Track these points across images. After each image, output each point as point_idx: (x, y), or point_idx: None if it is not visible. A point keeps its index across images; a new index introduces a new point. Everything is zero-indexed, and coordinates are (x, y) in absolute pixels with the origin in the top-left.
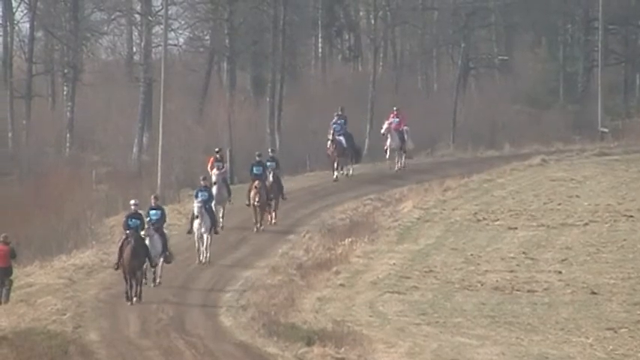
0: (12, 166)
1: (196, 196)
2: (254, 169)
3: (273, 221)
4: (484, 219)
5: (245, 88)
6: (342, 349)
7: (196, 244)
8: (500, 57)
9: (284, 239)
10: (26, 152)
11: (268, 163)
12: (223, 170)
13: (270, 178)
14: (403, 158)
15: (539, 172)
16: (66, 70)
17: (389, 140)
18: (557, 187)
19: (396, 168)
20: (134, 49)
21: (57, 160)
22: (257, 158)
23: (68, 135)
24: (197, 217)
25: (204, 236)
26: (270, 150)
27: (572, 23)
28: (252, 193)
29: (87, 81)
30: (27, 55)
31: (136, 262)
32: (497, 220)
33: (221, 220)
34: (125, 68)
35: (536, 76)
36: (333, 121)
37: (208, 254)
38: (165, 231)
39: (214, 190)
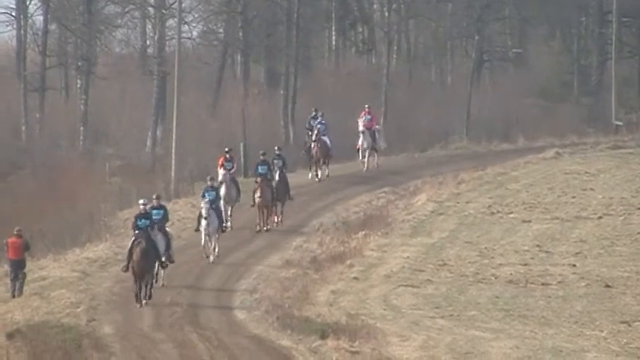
0: (25, 159)
1: (203, 196)
2: (259, 168)
3: (277, 222)
4: (498, 212)
5: (259, 81)
6: (356, 343)
7: (203, 242)
8: (514, 50)
9: (298, 232)
10: (40, 145)
11: (275, 161)
12: (232, 170)
13: (277, 177)
14: (376, 157)
15: (554, 165)
16: (80, 63)
17: (361, 139)
18: (571, 180)
19: (365, 168)
20: (148, 42)
21: (70, 154)
22: (261, 157)
23: (82, 128)
24: (205, 217)
25: (212, 236)
26: (276, 148)
27: (586, 16)
28: (256, 194)
29: (101, 74)
30: (40, 48)
31: (145, 264)
32: (512, 213)
33: (229, 219)
34: (139, 61)
35: (550, 69)
36: (318, 121)
37: (217, 252)
38: (168, 229)
39: (222, 189)
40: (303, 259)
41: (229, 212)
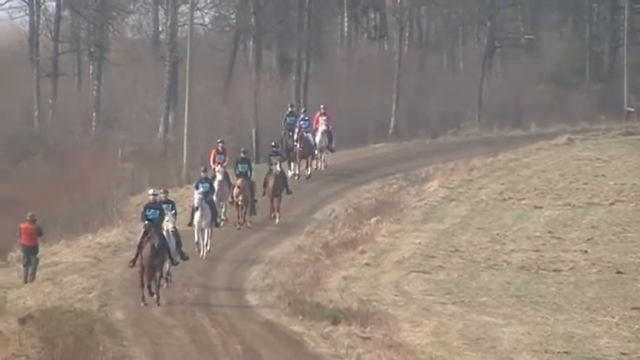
0: (38, 145)
1: (197, 188)
2: (239, 166)
3: (277, 220)
4: (510, 198)
5: (271, 67)
6: (368, 328)
7: (196, 238)
8: (526, 36)
9: (310, 218)
10: (52, 131)
11: (272, 158)
12: (225, 164)
13: (275, 170)
14: (326, 158)
15: (565, 151)
16: (92, 49)
17: (318, 138)
18: (583, 167)
19: (323, 167)
20: (160, 28)
21: (83, 139)
22: (242, 155)
23: (94, 114)
24: (197, 209)
25: (205, 230)
26: (272, 144)
27: (598, 2)
28: (235, 191)
29: (113, 60)
30: (53, 34)
31: (156, 260)
32: (523, 199)
33: (222, 214)
34: (151, 47)
35: (562, 55)
36: (301, 117)
37: (209, 247)
38: (179, 226)
39: (215, 185)
40: (314, 245)
41: (223, 208)
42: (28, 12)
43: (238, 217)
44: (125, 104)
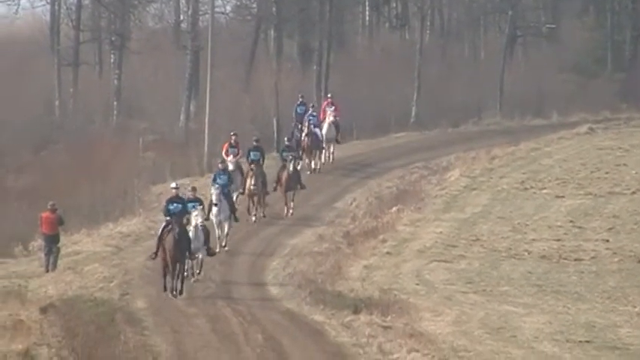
0: (59, 134)
1: (214, 181)
2: (251, 154)
3: (290, 212)
4: (531, 187)
5: (292, 56)
6: (389, 318)
7: (216, 232)
8: (547, 25)
9: (331, 207)
10: (73, 120)
11: (284, 153)
12: (238, 156)
13: (291, 168)
14: (333, 150)
15: (587, 140)
16: (113, 38)
17: (325, 129)
18: (605, 156)
19: (331, 160)
20: (181, 17)
21: (104, 128)
22: (254, 143)
23: (115, 103)
24: (215, 203)
25: (224, 224)
26: (286, 139)
27: None
28: (247, 182)
29: (134, 49)
30: (74, 23)
31: (178, 252)
32: (545, 188)
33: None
34: (172, 36)
35: (583, 44)
36: (309, 113)
37: (225, 242)
38: (199, 218)
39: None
40: (335, 234)
41: (235, 199)
42: (49, 1)
43: (249, 208)
44: (146, 93)
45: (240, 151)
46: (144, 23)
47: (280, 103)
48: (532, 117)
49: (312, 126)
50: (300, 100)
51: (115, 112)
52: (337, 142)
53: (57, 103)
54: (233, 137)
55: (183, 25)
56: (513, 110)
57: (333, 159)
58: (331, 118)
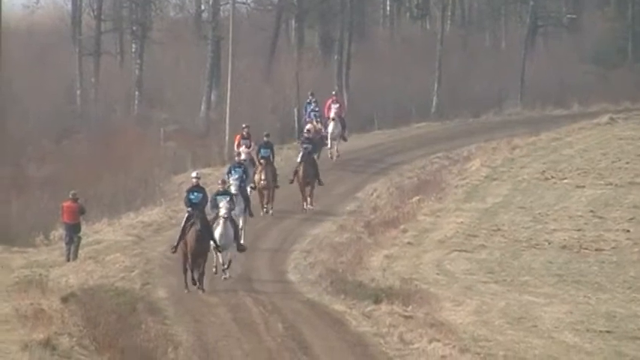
0: (80, 124)
1: (229, 173)
2: (262, 150)
3: (309, 206)
4: (552, 177)
5: (313, 46)
6: (410, 307)
7: (241, 225)
8: (568, 15)
9: (352, 197)
10: (95, 110)
11: (304, 146)
12: (251, 149)
13: (300, 159)
14: (338, 148)
15: (608, 130)
16: (134, 28)
17: (331, 126)
18: (625, 146)
19: (331, 156)
20: (202, 7)
21: (125, 118)
22: (265, 139)
23: (136, 93)
24: (235, 194)
25: (239, 218)
26: (305, 130)
27: None
28: (257, 177)
29: (155, 39)
30: (95, 13)
31: (200, 247)
32: (565, 178)
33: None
34: (193, 26)
35: (604, 34)
36: (311, 108)
37: (241, 235)
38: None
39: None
40: (356, 224)
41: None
42: None
43: (262, 202)
44: (167, 83)
45: (253, 143)
46: (165, 13)
47: (301, 93)
48: (553, 107)
49: (315, 120)
50: (310, 97)
51: (136, 101)
52: (344, 139)
53: (78, 92)
54: (245, 129)
55: (205, 15)
56: (534, 100)
57: (338, 155)
58: (332, 115)
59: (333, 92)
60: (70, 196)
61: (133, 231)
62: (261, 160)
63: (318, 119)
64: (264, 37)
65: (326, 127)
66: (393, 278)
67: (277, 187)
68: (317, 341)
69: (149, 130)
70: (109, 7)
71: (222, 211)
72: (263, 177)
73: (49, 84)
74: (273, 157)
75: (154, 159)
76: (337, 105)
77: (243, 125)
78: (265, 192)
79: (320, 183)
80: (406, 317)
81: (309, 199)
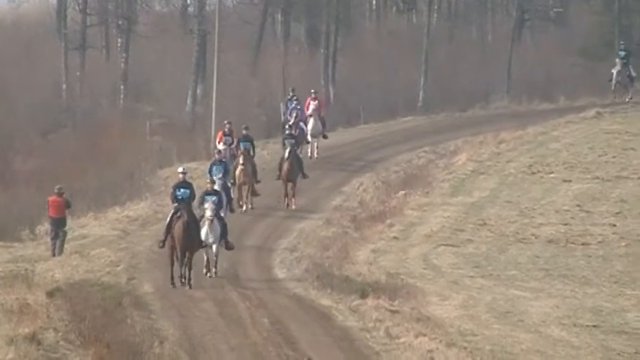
0: (66, 117)
1: (210, 172)
2: (241, 144)
3: (293, 206)
4: (539, 171)
5: (299, 39)
6: (396, 302)
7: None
8: (555, 9)
9: (338, 191)
10: (80, 104)
11: (290, 141)
12: (233, 145)
13: (286, 155)
14: (318, 146)
15: (594, 124)
16: (120, 22)
17: (310, 124)
18: (612, 140)
19: (315, 156)
20: (188, 1)
21: (111, 112)
22: (244, 132)
23: (122, 86)
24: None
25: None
26: (287, 126)
27: None
28: (237, 172)
29: (141, 32)
30: (81, 7)
31: (188, 240)
32: (552, 172)
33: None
34: (179, 20)
35: (591, 28)
36: (293, 105)
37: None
38: (222, 214)
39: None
40: (343, 218)
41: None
42: None
43: (239, 198)
44: (153, 77)
45: (235, 139)
46: (151, 7)
47: (287, 86)
48: (540, 101)
49: (298, 119)
50: (291, 94)
51: (122, 95)
52: (324, 136)
53: (64, 86)
54: (227, 126)
55: (190, 9)
56: (521, 94)
57: (317, 155)
58: (310, 112)
59: (312, 90)
60: (56, 190)
61: (119, 225)
62: (241, 155)
63: (299, 117)
64: (250, 30)
65: (306, 124)
66: (380, 273)
67: (258, 182)
68: (303, 336)
69: (135, 124)
70: (95, 0)
71: (208, 213)
72: (243, 173)
73: (34, 78)
74: (254, 150)
75: (140, 153)
76: (316, 102)
77: (225, 122)
78: (245, 187)
79: (304, 176)
80: (392, 312)
81: (292, 199)
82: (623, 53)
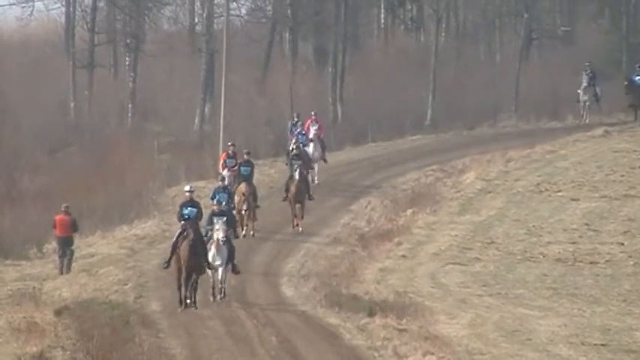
0: (74, 136)
1: (213, 198)
2: (242, 169)
3: (300, 229)
4: (546, 190)
5: (307, 58)
6: (404, 320)
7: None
8: (562, 28)
9: (346, 209)
10: (88, 122)
11: (293, 161)
12: (235, 168)
13: (296, 176)
14: (317, 170)
15: (602, 143)
16: (128, 41)
17: (311, 148)
18: (620, 159)
19: (316, 181)
20: (196, 20)
21: (119, 131)
22: (245, 157)
23: (130, 105)
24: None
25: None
26: (294, 147)
27: None
28: (237, 199)
29: (149, 51)
30: (89, 25)
31: (195, 260)
32: (560, 191)
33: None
34: (187, 38)
35: (598, 47)
36: (298, 131)
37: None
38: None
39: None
40: (351, 237)
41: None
42: (64, 3)
43: (242, 225)
44: (161, 95)
45: (239, 161)
46: (159, 26)
47: (295, 105)
48: (547, 119)
49: (299, 143)
50: (296, 119)
51: (130, 114)
52: (324, 161)
53: (72, 105)
54: (231, 148)
55: (198, 28)
56: (529, 113)
57: (317, 182)
58: (311, 136)
59: (313, 112)
60: (62, 209)
61: (127, 244)
62: (242, 181)
63: (304, 143)
64: (258, 49)
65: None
66: (387, 291)
67: (258, 207)
68: (311, 354)
69: (143, 142)
70: (103, 19)
71: (221, 234)
72: (243, 198)
73: (42, 96)
74: (253, 175)
75: (148, 171)
76: (317, 126)
77: (229, 143)
78: (245, 213)
79: (310, 198)
80: (400, 330)
81: (300, 221)
82: (588, 76)
